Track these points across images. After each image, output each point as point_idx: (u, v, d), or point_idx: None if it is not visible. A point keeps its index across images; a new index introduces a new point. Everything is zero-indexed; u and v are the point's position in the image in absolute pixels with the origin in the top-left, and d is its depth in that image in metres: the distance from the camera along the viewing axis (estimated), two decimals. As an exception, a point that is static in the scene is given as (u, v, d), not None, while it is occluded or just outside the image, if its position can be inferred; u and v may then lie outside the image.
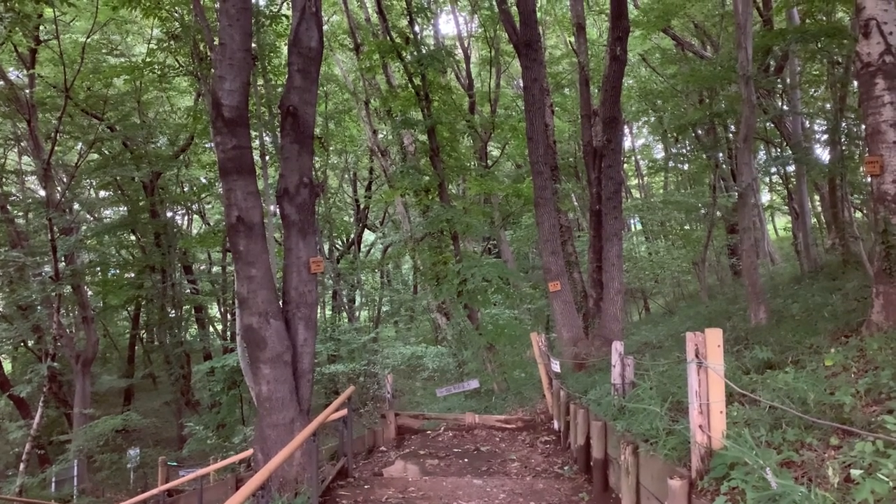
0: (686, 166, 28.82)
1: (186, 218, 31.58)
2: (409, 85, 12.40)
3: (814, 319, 7.80)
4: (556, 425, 8.92)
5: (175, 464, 13.94)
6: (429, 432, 9.59)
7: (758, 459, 3.40)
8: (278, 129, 8.46)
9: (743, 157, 8.82)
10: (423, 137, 12.66)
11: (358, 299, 32.20)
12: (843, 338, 6.20)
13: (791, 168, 16.28)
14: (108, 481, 20.33)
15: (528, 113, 11.76)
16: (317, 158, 28.86)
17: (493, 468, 7.72)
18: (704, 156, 19.28)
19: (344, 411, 7.42)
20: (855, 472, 3.22)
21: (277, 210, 7.15)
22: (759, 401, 4.60)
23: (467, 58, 21.02)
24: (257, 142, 12.48)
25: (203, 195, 27.61)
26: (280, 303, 6.55)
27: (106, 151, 23.24)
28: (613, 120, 11.61)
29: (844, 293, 9.37)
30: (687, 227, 23.79)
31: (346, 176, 32.42)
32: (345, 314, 28.45)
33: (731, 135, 19.48)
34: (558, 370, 8.51)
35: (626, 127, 26.02)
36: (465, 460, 8.13)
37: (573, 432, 7.38)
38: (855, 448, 3.53)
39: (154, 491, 9.92)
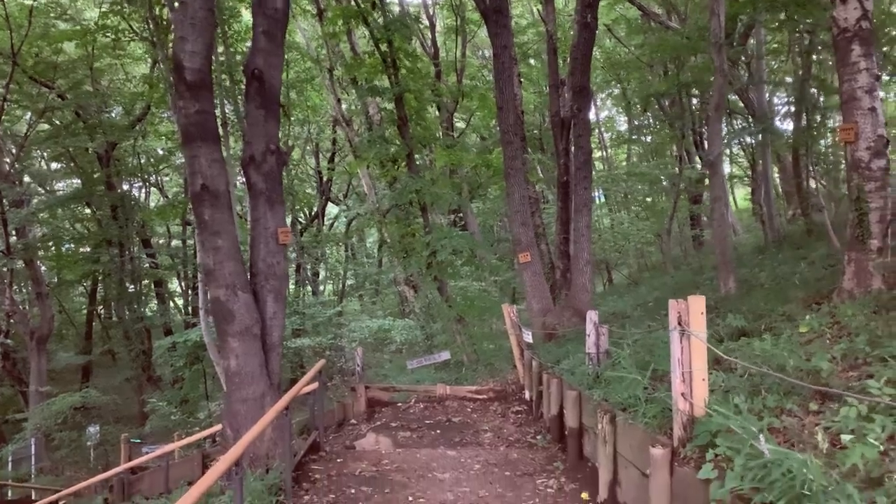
0: (649, 138, 29.06)
1: (144, 190, 30.70)
2: (376, 52, 12.07)
3: (783, 288, 7.88)
4: (527, 395, 8.92)
5: (138, 440, 13.65)
6: (400, 404, 9.52)
7: (747, 426, 3.37)
8: (241, 96, 8.12)
9: (714, 127, 8.81)
10: (390, 106, 12.39)
11: (322, 273, 31.87)
12: (814, 305, 6.25)
13: (751, 140, 16.51)
14: (67, 459, 19.91)
15: (497, 81, 11.56)
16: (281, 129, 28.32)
17: (467, 439, 7.69)
18: (669, 127, 19.38)
19: (315, 385, 7.27)
20: (845, 437, 3.21)
21: (243, 179, 6.88)
22: (740, 367, 4.60)
23: (432, 26, 20.62)
24: (218, 111, 12.07)
25: (161, 167, 26.81)
26: (248, 275, 6.33)
27: (57, 121, 22.30)
28: (583, 89, 11.49)
29: (811, 262, 9.52)
30: (650, 199, 23.95)
31: (309, 147, 31.80)
32: (309, 288, 28.13)
33: (695, 106, 19.61)
34: (530, 340, 8.49)
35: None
36: (438, 432, 8.08)
37: (546, 402, 7.37)
38: (839, 413, 3.53)
39: (117, 469, 9.67)
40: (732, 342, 5.85)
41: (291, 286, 31.62)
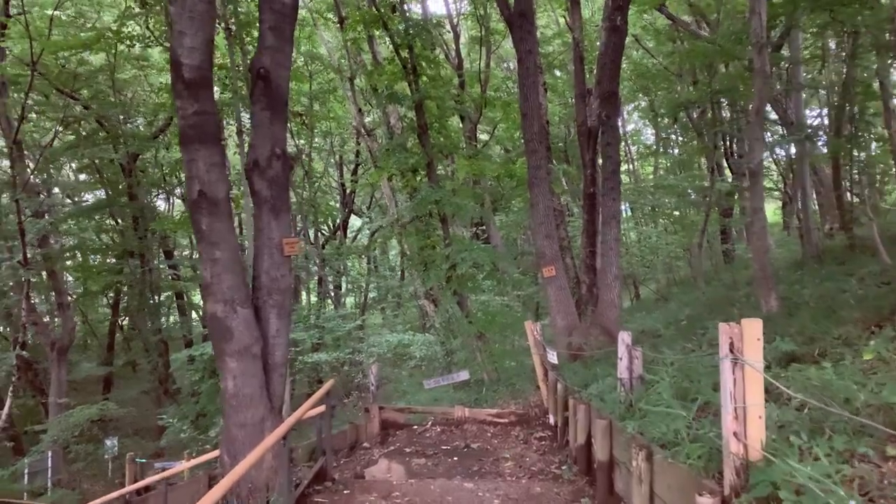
0: (676, 151, 28.33)
1: (168, 202, 30.73)
2: (396, 58, 11.66)
3: (834, 307, 7.21)
4: (551, 420, 8.33)
5: (144, 460, 13.26)
6: (415, 427, 8.98)
7: (823, 479, 2.78)
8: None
9: (754, 132, 8.20)
10: (411, 114, 11.95)
11: (344, 286, 31.53)
12: (874, 327, 5.62)
13: (783, 151, 15.80)
14: (84, 472, 19.66)
15: (522, 87, 11.07)
16: (302, 140, 28.15)
17: (486, 468, 7.11)
18: (699, 138, 18.71)
19: (322, 407, 6.77)
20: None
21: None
22: (795, 399, 4.01)
23: (457, 36, 20.26)
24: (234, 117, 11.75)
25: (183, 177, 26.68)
26: (249, 289, 5.86)
27: (82, 132, 22.31)
28: (612, 95, 10.94)
29: (860, 279, 8.83)
30: (677, 213, 23.22)
31: (332, 160, 31.65)
32: (329, 301, 27.79)
33: (726, 116, 18.92)
34: (555, 361, 7.91)
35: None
36: (455, 459, 7.52)
37: (572, 430, 6.78)
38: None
39: (122, 491, 9.24)
40: (781, 369, 5.24)
41: (314, 299, 31.44)
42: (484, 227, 19.42)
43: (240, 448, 5.56)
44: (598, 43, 18.50)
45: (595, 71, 17.40)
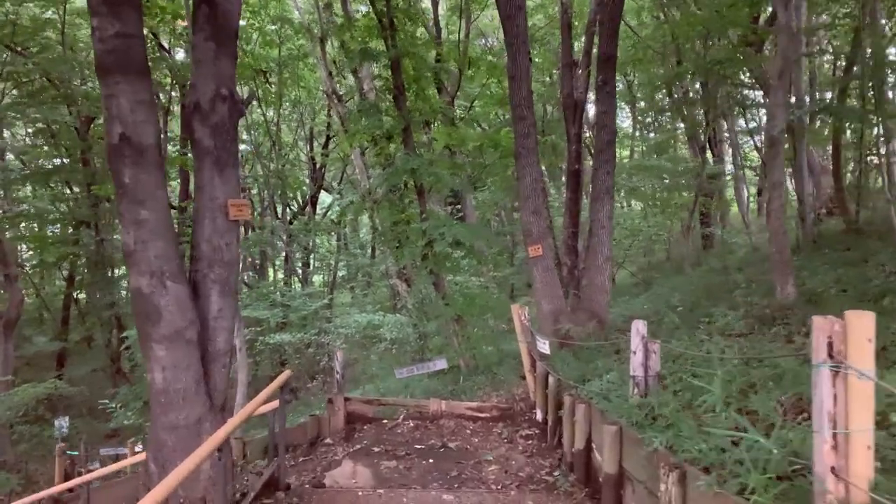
0: (652, 135, 27.56)
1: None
2: (371, 11, 10.49)
3: (865, 295, 6.37)
4: (539, 416, 7.40)
5: (76, 452, 12.10)
6: (385, 421, 7.97)
7: None
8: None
9: (776, 97, 7.29)
10: (387, 74, 10.82)
11: (312, 263, 30.33)
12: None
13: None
14: (32, 454, 18.42)
15: (510, 48, 10.00)
16: (271, 113, 26.72)
17: (466, 473, 6.15)
18: (682, 119, 17.83)
19: (275, 403, 5.73)
20: None
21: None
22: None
23: (435, 4, 19.06)
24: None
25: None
26: (183, 259, 4.76)
27: (30, 88, 20.68)
28: (610, 58, 9.93)
29: (879, 264, 8.04)
30: (660, 195, 22.43)
31: (302, 132, 30.29)
32: (296, 279, 26.62)
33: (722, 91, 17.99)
34: (547, 350, 6.95)
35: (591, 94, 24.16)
36: (430, 461, 6.54)
37: (568, 431, 5.85)
38: None
39: (49, 491, 8.10)
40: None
41: (280, 276, 30.15)
42: (459, 206, 18.39)
43: (170, 455, 4.51)
44: (587, 9, 17.51)
45: (583, 39, 16.45)
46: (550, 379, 6.70)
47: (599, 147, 10.11)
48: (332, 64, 17.07)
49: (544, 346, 6.93)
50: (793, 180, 16.59)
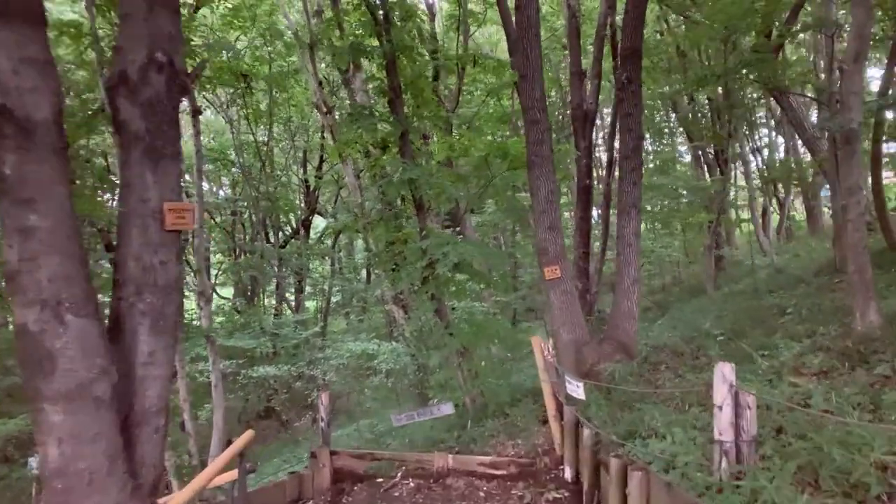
0: (651, 156, 26.46)
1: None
2: (363, 4, 9.29)
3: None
4: (567, 473, 6.05)
5: None
6: (380, 480, 6.59)
7: None
8: None
9: (852, 84, 6.07)
10: (381, 74, 9.59)
11: (306, 289, 29.01)
12: None
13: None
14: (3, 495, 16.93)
15: (520, 43, 8.81)
16: (262, 129, 25.58)
17: (483, 557, 4.78)
18: (710, 127, 16.67)
19: (232, 473, 4.38)
20: None
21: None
22: None
23: (432, 16, 18.04)
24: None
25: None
26: (90, 283, 3.43)
27: None
28: (635, 52, 8.72)
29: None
30: (674, 212, 21.24)
31: (293, 153, 29.21)
32: (286, 306, 25.25)
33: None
34: (580, 395, 5.60)
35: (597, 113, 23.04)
36: (437, 537, 5.18)
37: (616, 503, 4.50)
38: None
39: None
40: None
41: (272, 302, 28.73)
42: (458, 227, 17.11)
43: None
44: (595, 16, 16.46)
45: (593, 48, 15.36)
46: (585, 431, 5.35)
47: (625, 153, 8.86)
48: (322, 75, 15.96)
49: (577, 390, 5.59)
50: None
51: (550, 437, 6.76)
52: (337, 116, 14.13)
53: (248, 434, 4.49)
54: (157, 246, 3.57)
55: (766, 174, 22.34)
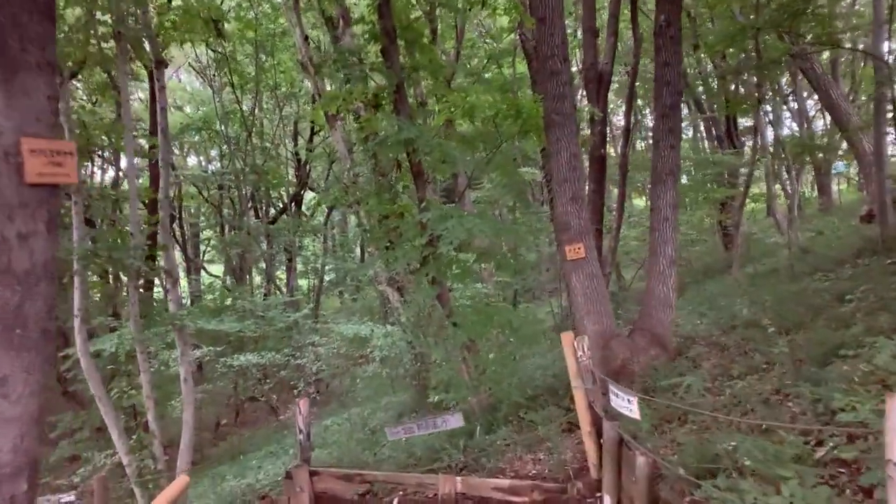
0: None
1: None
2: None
3: None
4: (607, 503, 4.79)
5: None
6: (371, 508, 5.36)
7: None
8: None
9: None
10: (372, 16, 8.16)
11: (299, 267, 27.73)
12: None
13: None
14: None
15: (538, -20, 7.43)
16: (247, 97, 24.08)
17: None
18: (729, 92, 15.23)
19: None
20: None
21: None
22: None
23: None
24: None
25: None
26: None
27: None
28: (675, -10, 7.38)
29: None
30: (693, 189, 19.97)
31: (282, 125, 27.80)
32: (274, 285, 23.94)
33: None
34: (633, 413, 4.28)
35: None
36: None
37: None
38: None
39: None
40: None
41: (257, 279, 27.46)
42: (455, 202, 15.73)
43: None
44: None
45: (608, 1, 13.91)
46: (639, 458, 4.08)
47: (661, 111, 7.50)
48: (310, 36, 14.51)
49: (627, 406, 4.30)
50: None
51: (580, 451, 5.50)
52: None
53: (182, 481, 3.24)
54: (10, 208, 2.24)
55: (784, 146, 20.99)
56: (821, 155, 21.22)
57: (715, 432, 4.62)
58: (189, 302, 28.63)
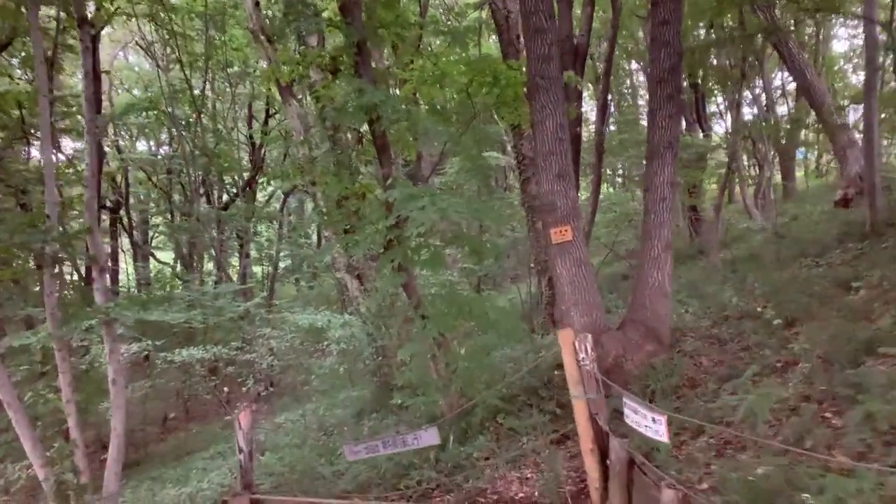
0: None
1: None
2: None
3: None
4: (614, 536, 3.95)
5: None
6: (327, 546, 4.42)
7: None
8: None
9: None
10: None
11: (253, 254, 26.46)
12: None
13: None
14: None
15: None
16: (195, 76, 22.59)
17: None
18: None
19: None
20: None
21: None
22: None
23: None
24: None
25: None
26: None
27: None
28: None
29: None
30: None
31: (235, 107, 26.41)
32: (224, 273, 22.64)
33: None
34: (663, 437, 3.42)
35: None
36: None
37: None
38: None
39: None
40: None
41: (209, 266, 26.12)
42: (420, 185, 14.72)
43: None
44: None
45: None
46: (666, 495, 3.22)
47: (658, 75, 6.65)
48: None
49: (652, 428, 3.43)
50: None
51: (575, 467, 4.66)
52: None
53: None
54: None
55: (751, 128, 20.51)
56: (783, 141, 20.88)
57: (745, 452, 3.81)
58: (137, 289, 27.13)
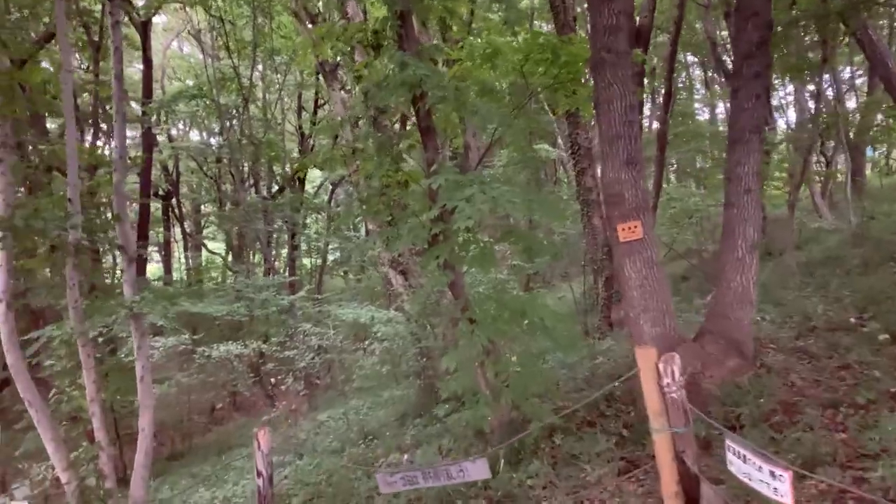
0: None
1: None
2: None
3: None
4: None
5: None
6: None
7: None
8: None
9: None
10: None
11: (303, 246, 26.22)
12: None
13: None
14: None
15: None
16: (243, 63, 22.32)
17: None
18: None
19: None
20: None
21: None
22: None
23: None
24: None
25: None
26: None
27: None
28: None
29: None
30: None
31: (284, 94, 26.10)
32: (273, 264, 22.40)
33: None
34: (787, 498, 2.64)
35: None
36: None
37: None
38: None
39: None
40: None
41: (257, 257, 25.96)
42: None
43: None
44: None
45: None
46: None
47: (745, 51, 5.75)
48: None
49: (767, 483, 2.64)
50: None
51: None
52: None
53: None
54: None
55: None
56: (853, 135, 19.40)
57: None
58: (186, 279, 27.19)
